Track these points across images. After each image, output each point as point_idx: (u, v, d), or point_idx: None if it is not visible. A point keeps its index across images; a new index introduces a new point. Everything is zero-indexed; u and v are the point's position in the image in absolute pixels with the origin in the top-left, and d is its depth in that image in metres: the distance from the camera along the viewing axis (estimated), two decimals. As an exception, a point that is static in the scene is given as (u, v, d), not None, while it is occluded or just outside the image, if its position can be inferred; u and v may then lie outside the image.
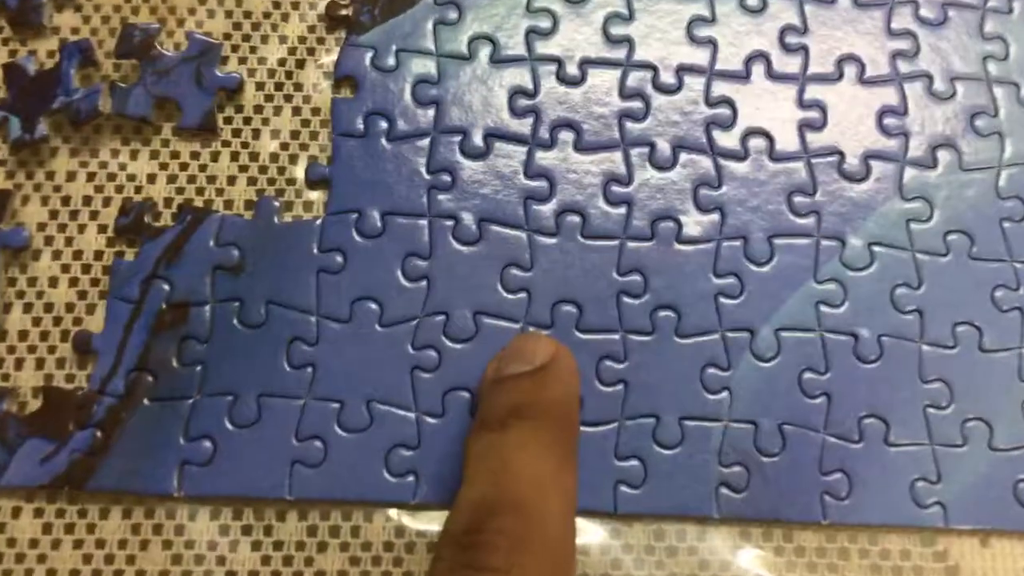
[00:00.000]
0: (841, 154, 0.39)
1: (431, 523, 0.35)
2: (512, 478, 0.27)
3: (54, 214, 0.38)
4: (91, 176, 0.38)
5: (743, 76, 0.40)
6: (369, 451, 0.35)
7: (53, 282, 0.37)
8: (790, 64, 0.40)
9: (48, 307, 0.37)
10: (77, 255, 0.38)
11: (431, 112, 0.39)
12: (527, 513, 0.27)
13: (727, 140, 0.39)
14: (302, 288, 0.37)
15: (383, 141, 0.38)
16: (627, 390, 0.36)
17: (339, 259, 0.37)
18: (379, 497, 0.35)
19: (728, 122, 0.39)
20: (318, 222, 0.38)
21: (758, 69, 0.40)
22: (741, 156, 0.39)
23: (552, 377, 0.30)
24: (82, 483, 0.35)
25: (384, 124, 0.38)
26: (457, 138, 0.39)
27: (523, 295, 0.37)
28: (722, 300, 0.37)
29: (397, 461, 0.35)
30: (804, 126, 0.40)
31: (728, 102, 0.40)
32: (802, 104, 0.40)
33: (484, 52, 0.40)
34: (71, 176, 0.38)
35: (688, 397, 0.36)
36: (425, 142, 0.39)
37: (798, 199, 0.39)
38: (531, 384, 0.29)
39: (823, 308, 0.37)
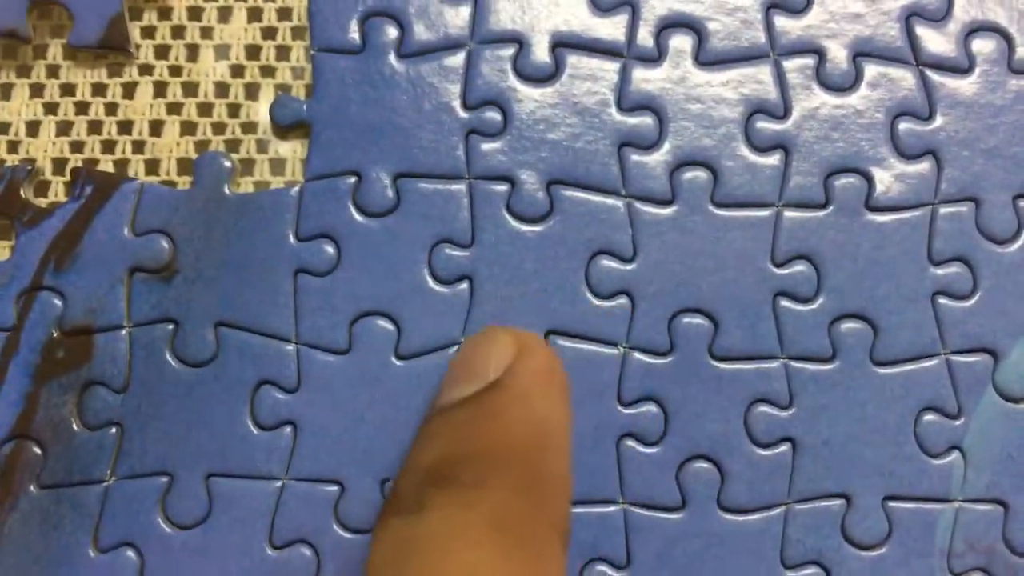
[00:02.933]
0: None
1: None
2: None
3: None
4: (-62, 127, 0.25)
5: (960, -62, 0.25)
6: (387, 560, 0.22)
7: None
8: (1034, -84, 0.25)
9: None
10: (-79, 253, 0.24)
11: (466, 10, 0.25)
12: None
13: (939, 43, 0.25)
14: (272, 300, 0.24)
15: (391, 59, 0.24)
16: (796, 454, 0.23)
17: (329, 251, 0.24)
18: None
19: (940, 13, 0.25)
20: (294, 191, 0.24)
21: (982, -74, 0.25)
22: (963, 67, 0.25)
23: (506, 399, 0.19)
24: (-65, 624, 0.22)
25: (393, 32, 0.25)
26: (509, 51, 0.25)
27: (623, 301, 0.24)
28: (944, 303, 0.24)
29: None
30: (1060, 15, 0.25)
31: (939, -21, 0.25)
32: (1055, -18, 0.25)
33: (547, -90, 0.25)
34: (-93, 128, 0.25)
35: (897, 464, 0.24)
36: (459, 59, 0.25)
37: (1058, 134, 0.24)
38: (467, 419, 0.19)
39: (1112, 311, 0.24)
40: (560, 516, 0.19)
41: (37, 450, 0.23)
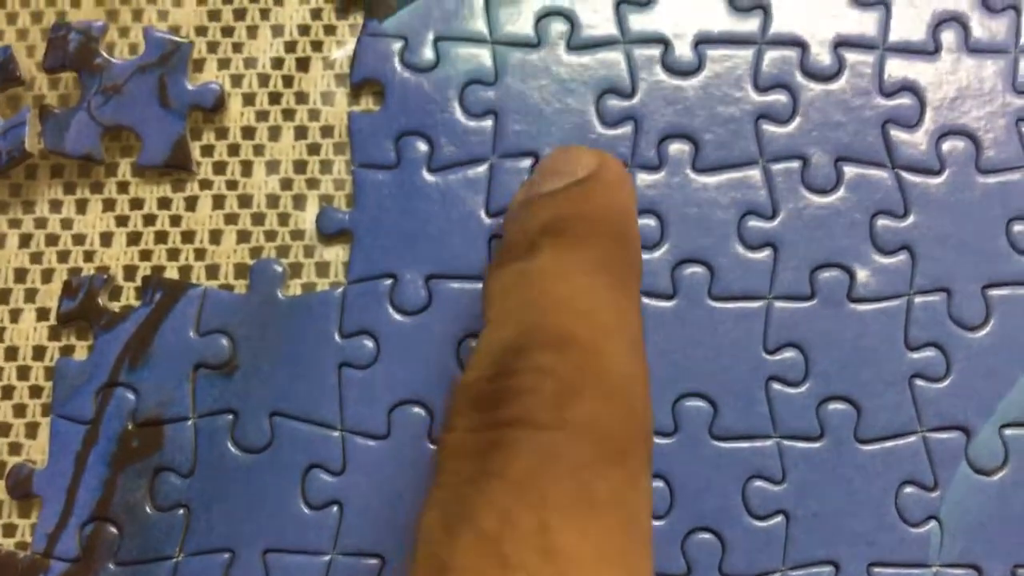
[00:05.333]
0: (1084, 160, 0.27)
1: None
2: (552, 308, 0.20)
3: (-23, 296, 0.28)
4: (24, 240, 0.28)
5: (930, 50, 0.28)
6: (425, 625, 0.25)
7: (-20, 392, 0.27)
8: (996, 30, 0.28)
9: (-25, 428, 0.27)
10: (11, 353, 0.28)
11: (488, 125, 0.28)
12: (577, 349, 0.19)
13: (913, 146, 0.28)
14: (319, 391, 0.26)
15: (423, 172, 0.27)
16: (789, 525, 0.26)
17: (369, 346, 0.27)
18: None
19: (913, 119, 0.28)
20: (337, 293, 0.27)
21: (950, 38, 0.28)
22: (935, 169, 0.27)
23: (597, 186, 0.22)
24: None
25: (423, 147, 0.28)
26: (526, 163, 0.28)
27: None
28: (920, 385, 0.26)
29: (466, 639, 0.25)
30: (1022, 120, 0.27)
31: (911, 89, 0.28)
32: (1017, 88, 0.28)
33: (558, 34, 0.28)
34: (-3, 241, 0.28)
35: (879, 533, 0.26)
36: (482, 170, 0.27)
37: (1021, 229, 0.27)
38: (568, 198, 0.22)
39: (1073, 392, 0.26)
40: (639, 269, 0.22)
41: (114, 530, 0.26)
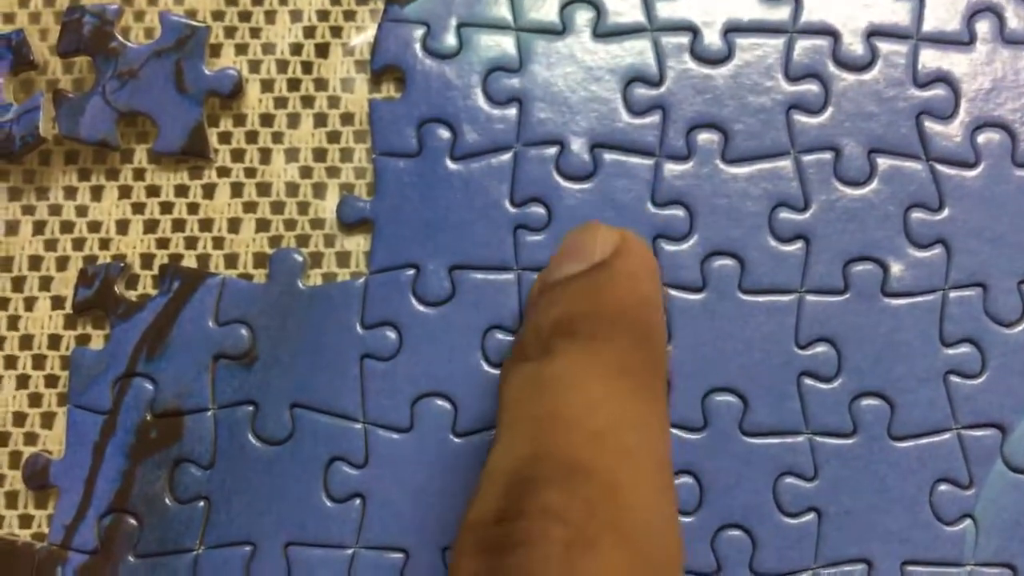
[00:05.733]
0: (1123, 152, 0.27)
1: None
2: (563, 428, 0.19)
3: (-9, 284, 0.27)
4: (39, 227, 0.28)
5: (964, 41, 0.27)
6: (449, 622, 0.24)
7: (-6, 382, 0.27)
8: (1033, 18, 0.27)
9: (-11, 418, 0.27)
10: (25, 342, 0.27)
11: (512, 114, 0.27)
12: (590, 483, 0.18)
13: (947, 138, 0.27)
14: (341, 383, 0.26)
15: (445, 160, 0.27)
16: (821, 522, 0.25)
17: (391, 337, 0.26)
18: None
19: (947, 110, 0.27)
20: (359, 283, 0.26)
21: (984, 28, 0.27)
22: (970, 161, 0.27)
23: (615, 274, 0.21)
24: None
25: (445, 135, 0.27)
26: (551, 151, 0.27)
27: None
28: (955, 381, 0.26)
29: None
30: (1060, 111, 0.27)
31: (945, 80, 0.27)
32: (1054, 78, 0.27)
33: (584, 21, 0.27)
34: (11, 228, 0.28)
35: (913, 531, 0.26)
36: (506, 159, 0.27)
37: (1060, 223, 0.26)
38: (583, 289, 0.21)
39: (1112, 389, 0.26)
40: (665, 369, 0.21)
41: (133, 522, 0.26)
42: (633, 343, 0.20)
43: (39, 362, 0.27)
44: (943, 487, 0.26)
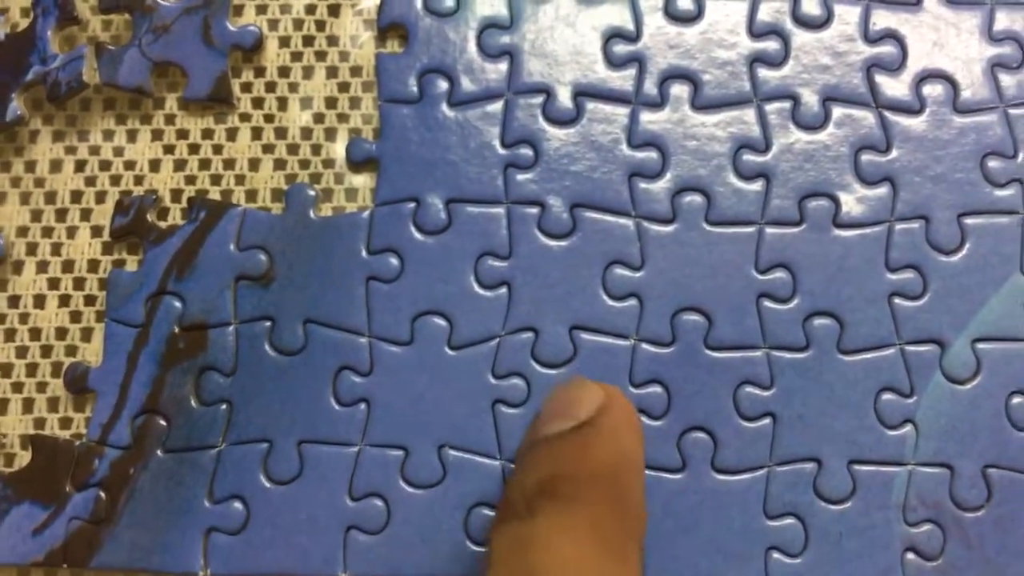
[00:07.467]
0: (1052, 101, 0.30)
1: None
2: None
3: (37, 215, 0.31)
4: (80, 165, 0.31)
5: (912, 2, 0.30)
6: (444, 511, 0.28)
7: (39, 301, 0.30)
8: (975, -18, 0.30)
9: (34, 333, 0.30)
10: (67, 266, 0.30)
11: (503, 66, 0.30)
12: None
13: (895, 88, 0.30)
14: (349, 301, 0.29)
15: (443, 107, 0.30)
16: (777, 426, 0.28)
17: (394, 262, 0.29)
18: (462, 572, 0.27)
19: (895, 63, 0.30)
20: (365, 215, 0.29)
21: (931, -9, 0.30)
22: (915, 109, 0.30)
23: (598, 435, 0.22)
24: (85, 560, 0.28)
25: (444, 85, 0.30)
26: (539, 99, 0.30)
27: (633, 302, 0.29)
28: (899, 302, 0.29)
29: (480, 524, 0.27)
30: (997, 66, 0.30)
31: (894, 37, 0.30)
32: (992, 37, 0.30)
33: (569, -16, 0.31)
34: (55, 166, 0.31)
35: (859, 434, 0.28)
36: (498, 106, 0.30)
37: (994, 164, 0.29)
38: (565, 450, 0.22)
39: (1037, 309, 0.28)
40: (640, 528, 0.23)
41: (163, 422, 0.29)
42: (610, 507, 0.22)
43: (79, 283, 0.30)
44: (887, 395, 0.28)
